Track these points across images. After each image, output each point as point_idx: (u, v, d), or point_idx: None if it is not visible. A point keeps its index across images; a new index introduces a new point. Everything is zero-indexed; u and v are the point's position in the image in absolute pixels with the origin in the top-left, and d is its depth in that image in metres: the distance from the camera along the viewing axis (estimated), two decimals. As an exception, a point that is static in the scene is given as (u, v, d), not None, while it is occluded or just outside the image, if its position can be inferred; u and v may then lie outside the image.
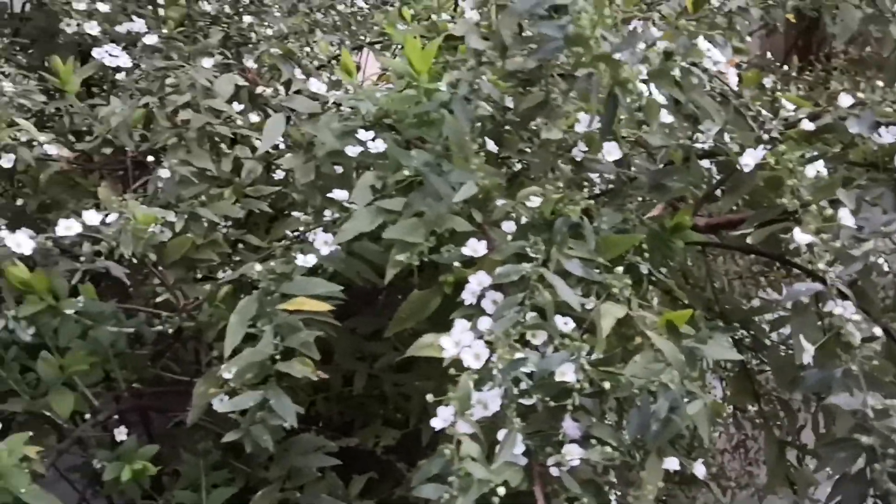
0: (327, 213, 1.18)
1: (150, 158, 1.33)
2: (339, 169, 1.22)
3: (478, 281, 0.85)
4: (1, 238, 0.91)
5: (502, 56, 0.87)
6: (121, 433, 1.14)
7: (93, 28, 1.44)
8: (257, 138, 1.40)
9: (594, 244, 0.84)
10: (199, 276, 1.29)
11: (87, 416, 1.11)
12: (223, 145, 1.34)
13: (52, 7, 1.48)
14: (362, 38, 1.67)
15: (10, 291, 0.94)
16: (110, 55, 1.43)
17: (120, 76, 1.43)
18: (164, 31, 1.39)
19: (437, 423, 0.75)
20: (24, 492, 0.92)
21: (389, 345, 1.31)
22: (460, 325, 0.82)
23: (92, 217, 0.97)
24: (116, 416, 1.16)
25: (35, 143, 1.26)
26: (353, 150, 1.13)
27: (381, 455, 1.32)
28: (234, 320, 1.00)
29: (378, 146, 1.12)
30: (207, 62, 1.30)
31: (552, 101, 0.88)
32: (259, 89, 1.27)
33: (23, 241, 0.92)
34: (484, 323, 0.81)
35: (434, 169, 0.94)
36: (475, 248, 0.88)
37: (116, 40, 1.48)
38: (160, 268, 1.17)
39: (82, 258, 0.96)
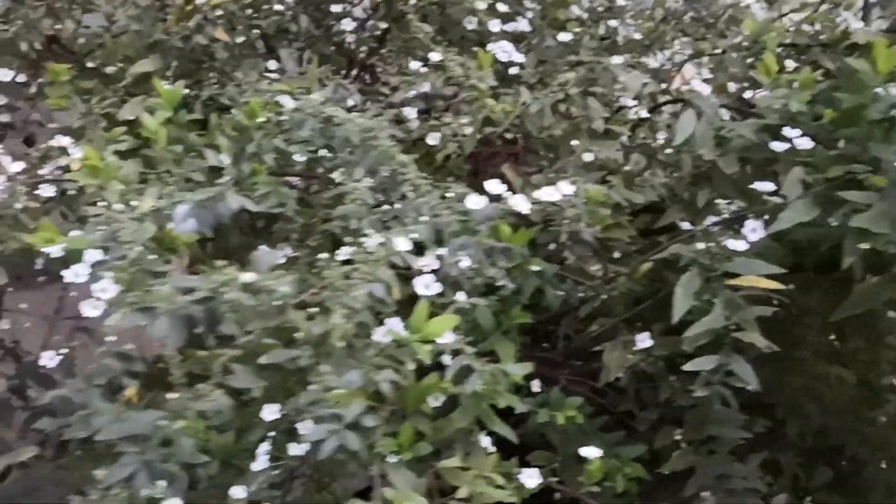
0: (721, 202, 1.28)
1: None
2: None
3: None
4: (505, 198, 1.05)
5: None
6: (534, 385, 1.26)
7: (496, 25, 1.60)
8: (626, 134, 1.51)
9: None
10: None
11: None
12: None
13: (452, 6, 1.66)
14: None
15: (497, 245, 1.08)
16: (503, 51, 1.58)
17: (512, 70, 1.58)
18: (576, 30, 1.51)
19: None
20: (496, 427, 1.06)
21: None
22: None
23: (566, 188, 1.10)
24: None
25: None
26: (779, 146, 1.20)
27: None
28: (679, 292, 1.09)
29: (804, 143, 1.19)
30: (617, 59, 1.41)
31: None
32: (676, 84, 1.37)
33: (520, 202, 1.05)
34: None
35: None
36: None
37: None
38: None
39: (565, 222, 1.09)
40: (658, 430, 1.32)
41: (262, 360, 0.83)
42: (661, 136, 1.49)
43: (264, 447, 0.98)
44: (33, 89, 1.65)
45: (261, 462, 0.97)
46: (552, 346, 1.60)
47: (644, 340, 1.22)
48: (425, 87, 1.36)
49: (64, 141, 1.43)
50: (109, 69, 1.69)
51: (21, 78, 1.63)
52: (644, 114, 1.47)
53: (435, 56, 1.38)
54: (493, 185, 1.06)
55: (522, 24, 1.67)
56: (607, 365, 1.24)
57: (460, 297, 1.02)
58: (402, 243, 0.95)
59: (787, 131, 1.20)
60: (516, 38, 1.67)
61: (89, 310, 1.04)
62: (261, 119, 1.29)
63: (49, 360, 1.22)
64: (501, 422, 1.09)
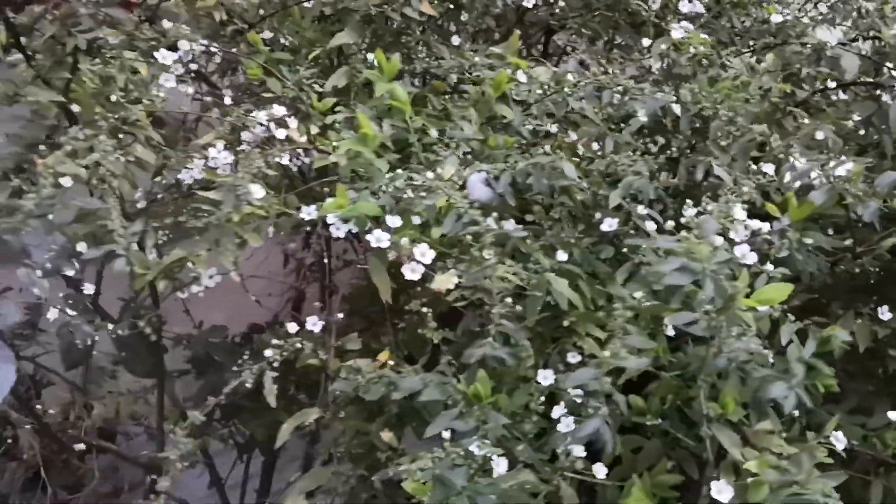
0: None
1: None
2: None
3: None
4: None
5: None
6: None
7: (685, 5, 1.63)
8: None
9: None
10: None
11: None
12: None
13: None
14: None
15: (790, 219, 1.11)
16: (685, 31, 1.61)
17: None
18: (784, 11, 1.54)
19: None
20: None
21: None
22: None
23: (850, 165, 1.13)
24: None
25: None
26: None
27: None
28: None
29: None
30: (833, 39, 1.45)
31: None
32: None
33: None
34: None
35: None
36: None
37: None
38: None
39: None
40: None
41: (667, 320, 0.86)
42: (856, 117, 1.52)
43: (560, 409, 1.01)
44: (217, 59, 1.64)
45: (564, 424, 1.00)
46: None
47: (885, 313, 1.26)
48: (658, 64, 1.38)
49: (280, 111, 1.43)
50: (285, 40, 1.69)
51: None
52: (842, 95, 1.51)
53: (676, 34, 1.40)
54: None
55: (697, 6, 1.70)
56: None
57: (769, 267, 1.05)
58: (739, 212, 0.98)
59: None
60: (690, 19, 1.70)
61: (409, 273, 1.06)
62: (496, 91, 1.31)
63: (313, 325, 1.23)
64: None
